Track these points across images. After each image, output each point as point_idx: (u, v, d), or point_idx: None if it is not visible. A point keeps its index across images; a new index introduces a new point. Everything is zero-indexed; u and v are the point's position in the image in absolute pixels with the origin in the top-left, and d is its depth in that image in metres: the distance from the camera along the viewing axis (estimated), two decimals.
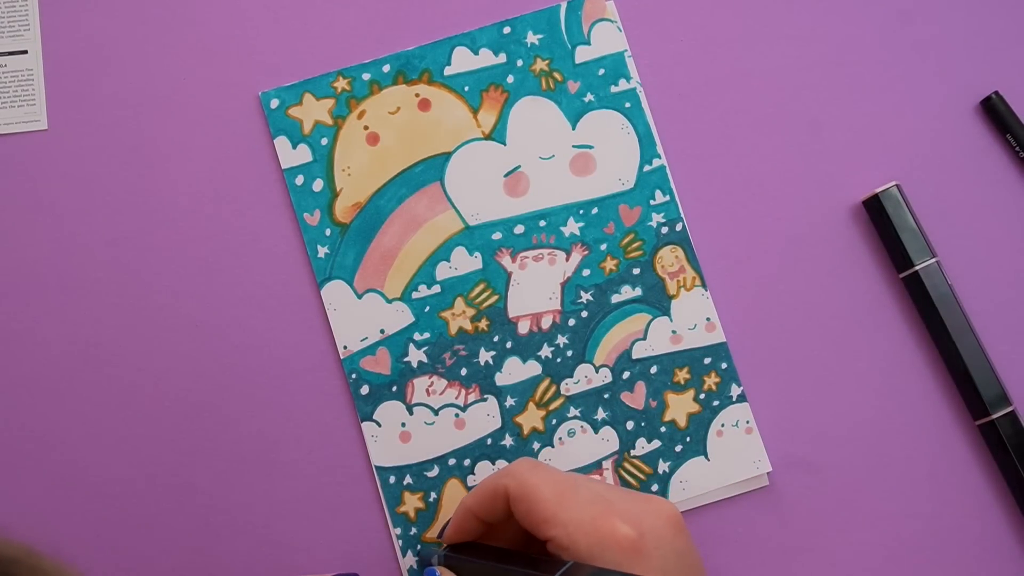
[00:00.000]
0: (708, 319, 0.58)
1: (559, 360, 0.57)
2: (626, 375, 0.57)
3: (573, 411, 0.57)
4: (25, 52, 0.56)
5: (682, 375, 0.57)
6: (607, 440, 0.57)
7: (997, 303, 0.58)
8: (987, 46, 0.60)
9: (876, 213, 0.58)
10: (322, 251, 0.58)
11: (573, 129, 0.59)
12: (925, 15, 0.60)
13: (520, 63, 0.59)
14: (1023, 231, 0.59)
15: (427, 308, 0.57)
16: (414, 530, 0.56)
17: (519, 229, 0.58)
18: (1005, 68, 0.59)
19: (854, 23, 0.60)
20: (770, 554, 0.57)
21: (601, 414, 0.57)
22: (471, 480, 0.56)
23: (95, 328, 0.57)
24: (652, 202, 0.58)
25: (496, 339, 0.57)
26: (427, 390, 0.57)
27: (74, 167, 0.58)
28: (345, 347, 0.57)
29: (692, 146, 0.59)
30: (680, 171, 0.59)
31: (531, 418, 0.57)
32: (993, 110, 0.59)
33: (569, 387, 0.57)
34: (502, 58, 0.59)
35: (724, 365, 0.57)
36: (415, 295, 0.58)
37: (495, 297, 0.58)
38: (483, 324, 0.58)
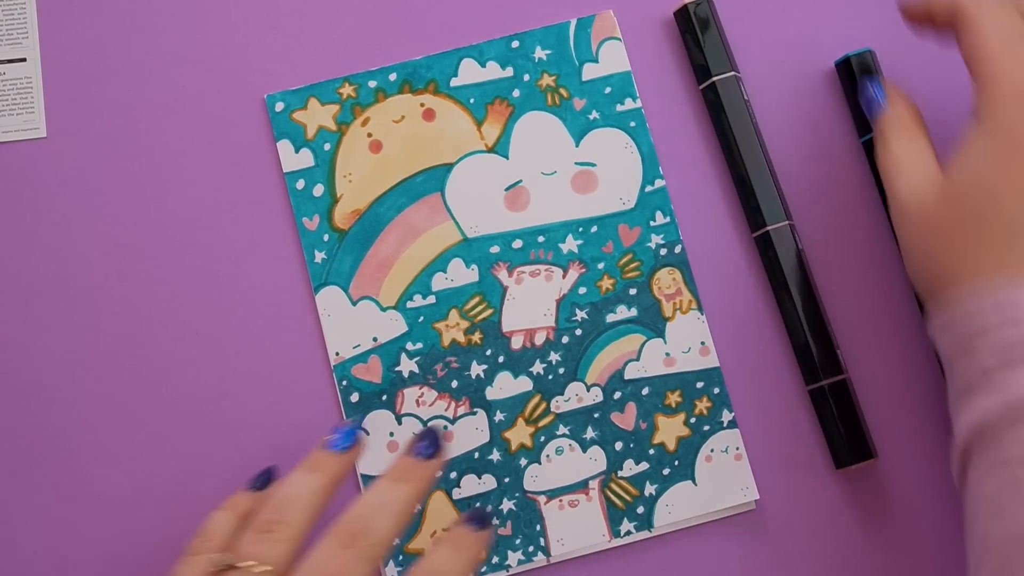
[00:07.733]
0: (703, 343, 0.57)
1: (551, 377, 0.57)
2: (617, 395, 0.57)
3: (562, 429, 0.57)
4: (24, 60, 0.56)
5: (673, 398, 0.57)
6: (595, 460, 0.57)
7: None
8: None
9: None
10: (319, 256, 0.57)
11: (576, 146, 0.59)
12: None
13: (527, 78, 0.59)
14: None
15: (421, 318, 0.57)
16: (396, 540, 0.56)
17: (517, 243, 0.58)
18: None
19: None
20: None
21: (590, 433, 0.57)
22: (456, 493, 0.56)
23: (94, 336, 0.57)
24: (652, 223, 0.58)
25: (488, 353, 0.57)
26: (417, 401, 0.57)
27: (73, 175, 0.58)
28: (337, 353, 0.57)
29: (692, 168, 0.59)
30: (681, 193, 0.59)
31: (519, 434, 0.57)
32: None
33: (559, 404, 0.57)
34: (509, 72, 0.59)
35: (716, 390, 0.57)
36: (410, 304, 0.57)
37: (490, 311, 0.58)
38: (476, 337, 0.57)
